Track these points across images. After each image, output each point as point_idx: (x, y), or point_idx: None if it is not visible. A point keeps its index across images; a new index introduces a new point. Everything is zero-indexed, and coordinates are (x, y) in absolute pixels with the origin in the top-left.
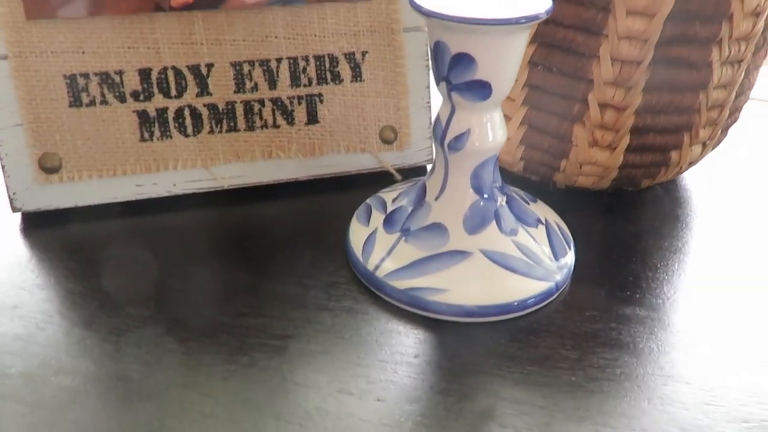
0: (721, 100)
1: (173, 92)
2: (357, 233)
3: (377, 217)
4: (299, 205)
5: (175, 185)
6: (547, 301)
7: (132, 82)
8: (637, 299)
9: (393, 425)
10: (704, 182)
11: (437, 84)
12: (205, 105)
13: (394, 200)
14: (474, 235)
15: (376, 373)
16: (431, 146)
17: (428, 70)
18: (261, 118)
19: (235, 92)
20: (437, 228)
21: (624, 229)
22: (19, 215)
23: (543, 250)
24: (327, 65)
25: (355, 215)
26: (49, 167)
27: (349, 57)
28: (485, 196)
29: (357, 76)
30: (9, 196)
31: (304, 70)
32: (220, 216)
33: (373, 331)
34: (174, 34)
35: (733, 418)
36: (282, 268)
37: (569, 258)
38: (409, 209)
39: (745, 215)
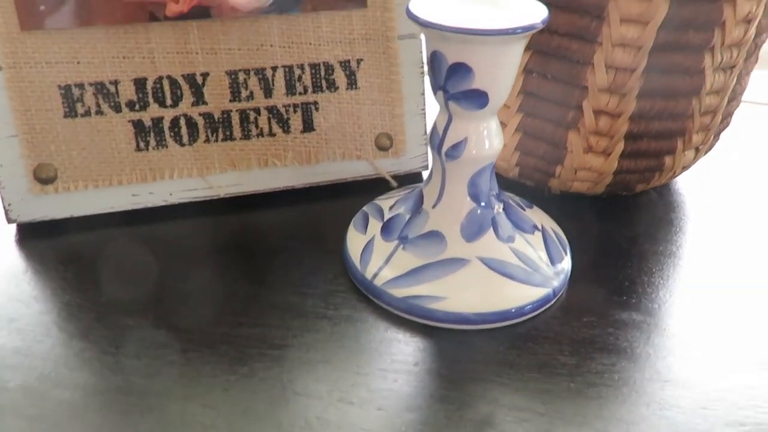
0: (714, 106)
1: (169, 101)
2: (355, 241)
3: (375, 225)
4: (296, 213)
5: (171, 194)
6: (544, 308)
7: (127, 91)
8: (633, 304)
9: None
10: (697, 186)
11: (434, 93)
12: (200, 114)
13: (391, 208)
14: (471, 242)
15: (377, 381)
16: (426, 153)
17: (423, 77)
18: (257, 126)
19: (230, 101)
20: (435, 236)
21: (619, 234)
22: (14, 226)
23: (540, 256)
24: (322, 73)
25: (352, 223)
26: (44, 178)
27: (345, 65)
28: (482, 203)
29: (352, 83)
30: (4, 208)
31: (300, 78)
32: (217, 225)
33: (372, 339)
34: (169, 43)
35: (730, 422)
36: (280, 276)
37: (566, 263)
38: (407, 217)
39: (737, 218)
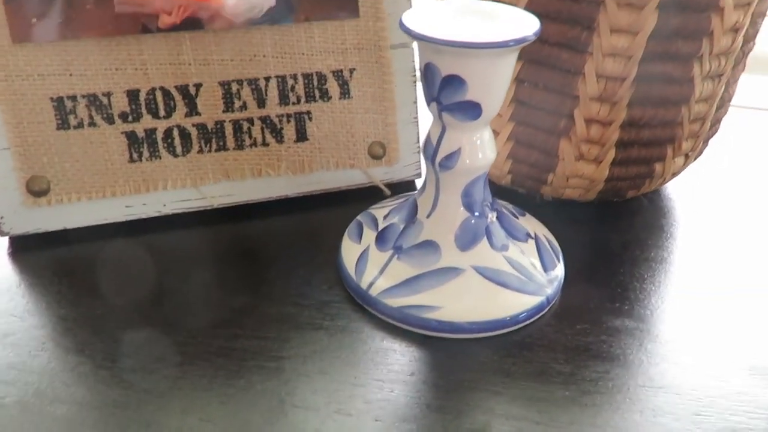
0: (703, 113)
1: (162, 113)
2: (349, 251)
3: (369, 235)
4: (290, 223)
5: (165, 205)
6: (538, 315)
7: (120, 103)
8: (626, 310)
9: None
10: (687, 191)
11: (428, 104)
12: (194, 125)
13: (385, 217)
14: (466, 251)
15: (373, 392)
16: (419, 161)
17: (415, 85)
18: (250, 136)
19: (223, 111)
20: (429, 245)
21: (611, 240)
22: (7, 239)
23: (533, 264)
24: (315, 83)
25: (346, 233)
26: (37, 190)
27: (337, 74)
28: (476, 213)
29: (345, 93)
30: None
31: (293, 88)
32: (211, 235)
33: (368, 350)
34: (162, 54)
35: (722, 428)
36: (275, 287)
37: (559, 271)
38: (401, 227)
39: (727, 223)
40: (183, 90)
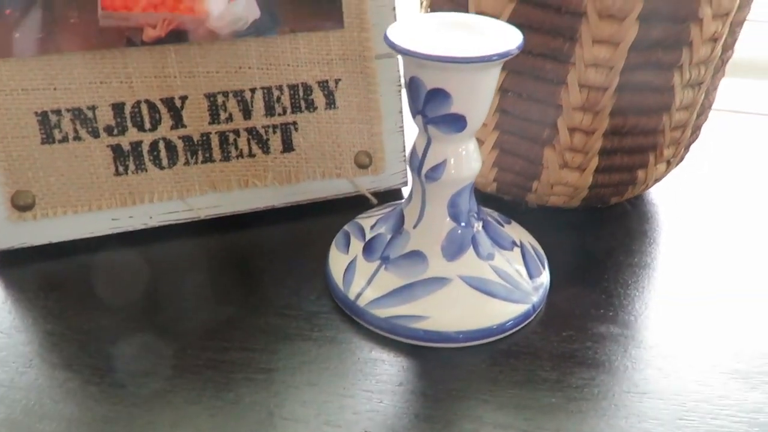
0: (684, 121)
1: (147, 125)
2: (337, 261)
3: (356, 245)
4: (277, 233)
5: (151, 218)
6: (525, 323)
7: (105, 116)
8: (611, 317)
9: None
10: (669, 196)
11: (413, 117)
12: (179, 137)
13: (372, 227)
14: (452, 261)
15: (362, 403)
16: (406, 169)
17: (401, 95)
18: (236, 148)
19: (209, 123)
20: (416, 255)
21: (595, 246)
22: None
23: (519, 272)
24: (301, 94)
25: (334, 243)
26: (22, 205)
27: (323, 85)
28: (462, 223)
29: (331, 103)
30: None
31: (279, 99)
32: (198, 247)
33: (357, 360)
34: (146, 67)
35: None
36: (263, 298)
37: (544, 278)
38: (388, 237)
39: (709, 227)
40: (168, 102)
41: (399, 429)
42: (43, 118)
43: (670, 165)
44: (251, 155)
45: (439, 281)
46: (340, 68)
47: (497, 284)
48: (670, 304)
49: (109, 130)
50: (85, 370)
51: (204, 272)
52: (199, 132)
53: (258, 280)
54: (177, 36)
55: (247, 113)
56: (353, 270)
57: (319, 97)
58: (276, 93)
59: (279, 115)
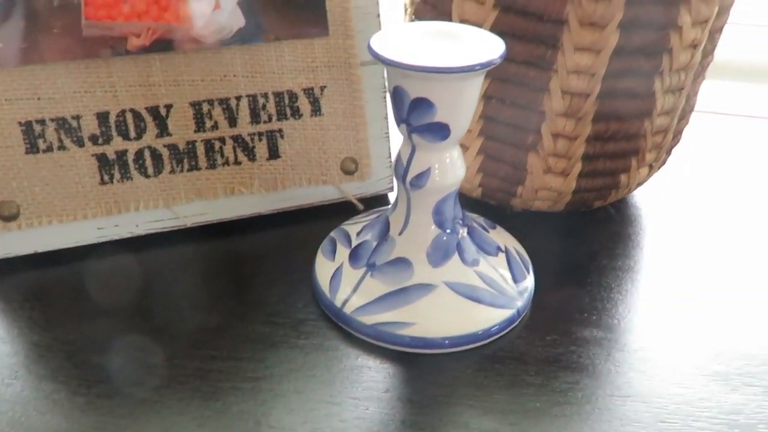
0: (665, 126)
1: (132, 134)
2: (323, 268)
3: (342, 252)
4: (264, 240)
5: (137, 226)
6: (509, 328)
7: (90, 126)
8: (594, 321)
9: None
10: (652, 199)
11: (398, 126)
12: (165, 146)
13: (358, 234)
14: (438, 268)
15: (349, 411)
16: (391, 175)
17: (386, 101)
18: (222, 155)
19: (195, 131)
20: (402, 262)
21: (579, 250)
22: None
23: (504, 277)
24: (286, 101)
25: (320, 250)
26: (6, 215)
27: (308, 92)
28: (447, 230)
29: (316, 110)
30: None
31: (264, 106)
32: (185, 255)
33: (343, 368)
34: (131, 76)
35: None
36: (250, 306)
37: (529, 282)
38: (374, 244)
39: (691, 230)
40: (153, 111)
41: None
42: (27, 127)
43: (652, 169)
44: (237, 163)
45: (425, 288)
46: (325, 75)
47: (482, 290)
48: (653, 307)
49: (93, 140)
50: (72, 381)
51: (191, 280)
52: (184, 140)
53: (245, 287)
54: (162, 45)
55: (232, 121)
56: (339, 277)
57: (304, 104)
58: (261, 100)
59: (265, 122)
